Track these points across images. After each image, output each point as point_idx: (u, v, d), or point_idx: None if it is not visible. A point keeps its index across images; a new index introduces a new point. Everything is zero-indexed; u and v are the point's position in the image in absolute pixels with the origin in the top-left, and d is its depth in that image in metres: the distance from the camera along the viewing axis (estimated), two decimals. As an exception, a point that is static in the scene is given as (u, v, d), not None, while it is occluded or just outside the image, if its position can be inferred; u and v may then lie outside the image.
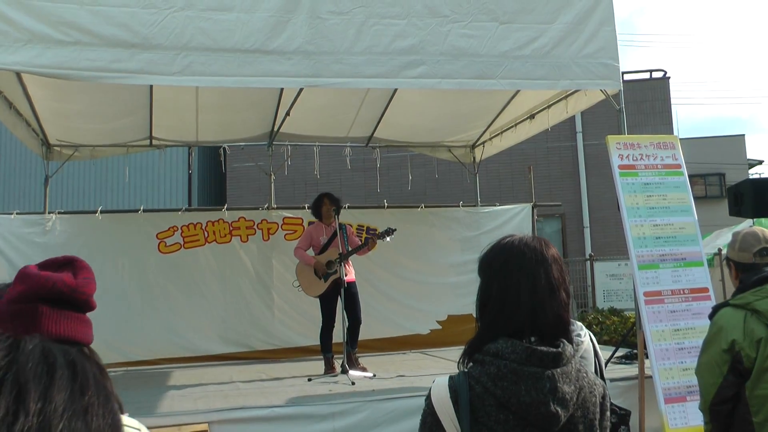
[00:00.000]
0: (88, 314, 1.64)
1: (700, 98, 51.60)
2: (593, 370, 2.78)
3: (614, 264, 15.71)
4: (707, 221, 13.94)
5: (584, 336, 2.76)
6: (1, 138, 17.37)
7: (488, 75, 6.24)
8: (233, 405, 5.86)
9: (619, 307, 13.64)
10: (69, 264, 1.61)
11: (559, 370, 1.87)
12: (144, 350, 9.23)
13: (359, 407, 5.86)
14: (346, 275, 7.81)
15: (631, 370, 6.55)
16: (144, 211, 9.87)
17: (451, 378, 1.95)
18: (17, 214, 9.17)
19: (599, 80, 6.48)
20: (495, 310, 1.97)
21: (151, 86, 7.96)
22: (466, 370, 1.95)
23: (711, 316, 3.35)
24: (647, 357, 5.82)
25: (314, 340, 8.26)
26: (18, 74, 6.93)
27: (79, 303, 1.56)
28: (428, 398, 1.96)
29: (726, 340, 3.15)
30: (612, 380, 6.13)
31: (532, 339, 1.90)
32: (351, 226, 8.94)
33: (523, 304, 1.92)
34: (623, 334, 8.85)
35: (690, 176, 6.61)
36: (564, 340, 1.93)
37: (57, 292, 1.51)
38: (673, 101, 26.58)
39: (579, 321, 13.43)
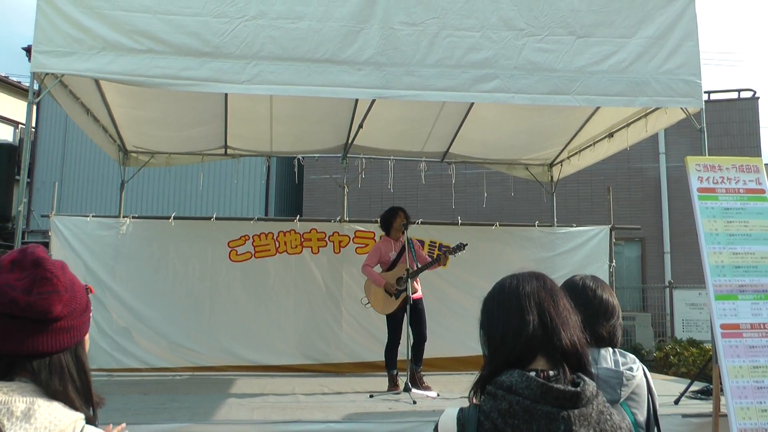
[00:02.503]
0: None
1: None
2: (645, 409, 2.56)
3: (695, 293, 15.01)
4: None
5: (636, 370, 2.54)
6: (81, 143, 17.92)
7: (563, 90, 6.06)
8: (289, 418, 5.80)
9: (699, 339, 13.04)
10: (35, 266, 1.56)
11: (576, 411, 1.72)
12: (210, 356, 9.31)
13: (417, 427, 5.72)
14: (413, 292, 7.70)
15: (707, 406, 6.27)
16: (216, 219, 9.96)
17: (461, 410, 1.86)
18: (93, 216, 9.39)
19: (680, 98, 6.20)
20: (497, 340, 1.89)
21: (226, 96, 8.04)
22: (478, 402, 1.84)
23: None
24: (723, 393, 5.50)
25: (381, 356, 8.16)
26: (97, 82, 7.12)
27: (35, 317, 1.53)
28: (435, 430, 1.89)
29: None
30: (685, 416, 5.99)
31: (551, 373, 1.75)
32: (416, 240, 8.78)
33: (524, 330, 1.83)
34: (701, 368, 8.47)
35: (777, 204, 6.22)
36: (585, 378, 1.78)
37: (8, 309, 1.50)
38: (763, 124, 25.62)
39: (656, 350, 12.75)
